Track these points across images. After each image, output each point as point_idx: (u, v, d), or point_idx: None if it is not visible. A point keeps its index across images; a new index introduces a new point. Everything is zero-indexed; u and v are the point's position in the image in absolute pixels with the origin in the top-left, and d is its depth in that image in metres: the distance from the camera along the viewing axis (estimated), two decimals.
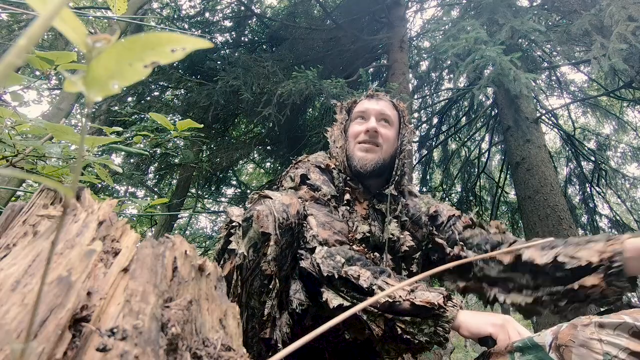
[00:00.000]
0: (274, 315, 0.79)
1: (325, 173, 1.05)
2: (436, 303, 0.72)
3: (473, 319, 0.73)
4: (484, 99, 6.29)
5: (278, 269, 0.80)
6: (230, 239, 0.79)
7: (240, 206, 1.09)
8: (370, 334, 0.77)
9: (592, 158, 5.82)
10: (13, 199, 2.98)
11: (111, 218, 0.39)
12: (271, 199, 0.84)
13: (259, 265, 0.77)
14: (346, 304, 0.78)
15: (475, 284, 0.98)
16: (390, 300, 0.74)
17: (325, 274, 0.80)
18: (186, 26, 5.33)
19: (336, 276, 0.79)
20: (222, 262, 0.80)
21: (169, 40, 0.19)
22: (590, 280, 0.76)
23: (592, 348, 0.52)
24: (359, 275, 0.78)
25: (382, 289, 0.75)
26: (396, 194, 1.09)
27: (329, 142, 1.16)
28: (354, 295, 0.78)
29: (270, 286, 0.78)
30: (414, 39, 6.63)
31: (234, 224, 0.81)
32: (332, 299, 0.79)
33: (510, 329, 0.68)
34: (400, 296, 0.74)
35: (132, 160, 5.18)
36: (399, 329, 0.74)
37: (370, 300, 0.29)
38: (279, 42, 5.41)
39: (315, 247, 0.85)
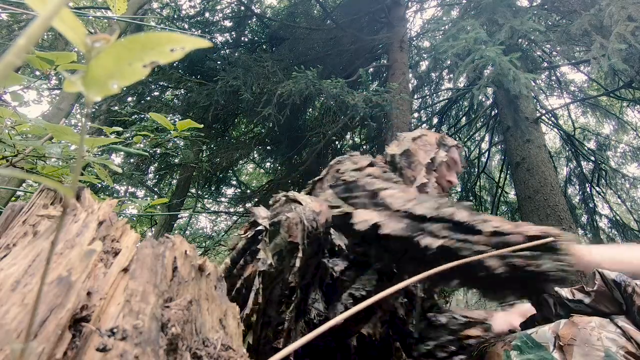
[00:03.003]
0: (290, 327, 0.77)
1: None
2: (547, 232, 0.69)
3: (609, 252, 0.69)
4: (483, 99, 6.29)
5: (300, 278, 0.77)
6: (258, 246, 0.76)
7: (238, 205, 1.09)
8: (486, 273, 0.71)
9: (592, 158, 5.82)
10: (13, 199, 2.98)
11: (111, 218, 0.39)
12: (301, 204, 0.81)
13: (282, 274, 0.75)
14: (448, 243, 0.73)
15: None
16: (499, 233, 0.71)
17: (419, 214, 0.76)
18: (186, 26, 5.33)
19: (429, 217, 0.76)
20: (242, 262, 0.77)
21: (168, 39, 0.19)
22: None
23: (593, 345, 0.53)
24: (452, 213, 0.75)
25: (484, 223, 0.73)
26: None
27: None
28: (450, 235, 0.74)
29: (292, 298, 0.75)
30: (414, 39, 6.63)
31: (259, 227, 0.77)
32: (432, 243, 0.74)
33: None
34: (508, 229, 0.71)
35: (132, 160, 5.18)
36: (516, 262, 0.69)
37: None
38: (279, 42, 5.41)
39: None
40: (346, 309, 0.88)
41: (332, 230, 0.88)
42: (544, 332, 0.59)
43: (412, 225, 0.78)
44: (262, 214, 0.80)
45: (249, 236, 0.78)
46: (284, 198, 0.84)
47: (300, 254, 0.75)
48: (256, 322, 0.71)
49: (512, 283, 0.74)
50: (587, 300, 0.60)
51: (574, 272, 0.69)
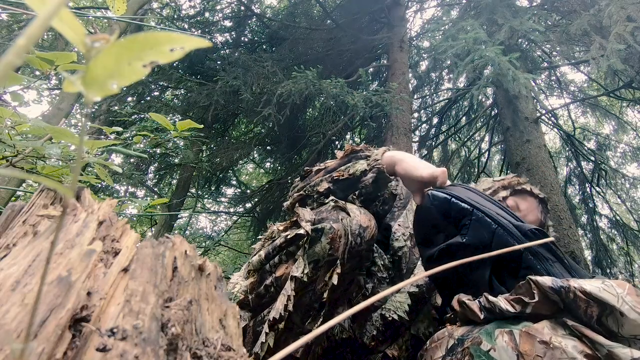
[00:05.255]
0: (312, 342, 0.76)
1: None
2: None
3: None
4: (483, 99, 6.29)
5: (331, 292, 0.75)
6: (298, 252, 0.73)
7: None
8: (318, 196, 0.90)
9: (592, 158, 5.82)
10: (13, 199, 2.98)
11: (111, 218, 0.39)
12: (349, 215, 0.77)
13: (314, 284, 0.72)
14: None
15: None
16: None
17: None
18: (186, 26, 5.32)
19: None
20: (277, 259, 0.75)
21: (167, 39, 0.19)
22: None
23: (559, 358, 0.52)
24: None
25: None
26: None
27: None
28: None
29: (321, 312, 0.73)
30: (414, 39, 6.63)
31: (301, 231, 0.73)
32: None
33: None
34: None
35: (131, 160, 5.18)
36: (338, 176, 0.88)
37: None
38: (279, 42, 5.41)
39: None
40: (377, 330, 0.85)
41: (375, 247, 0.86)
42: (504, 350, 0.56)
43: None
44: (306, 217, 0.76)
45: (288, 237, 0.74)
46: (332, 203, 0.80)
47: (338, 270, 0.72)
48: (278, 327, 0.69)
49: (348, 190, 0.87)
50: (528, 310, 0.60)
51: (385, 169, 0.86)
